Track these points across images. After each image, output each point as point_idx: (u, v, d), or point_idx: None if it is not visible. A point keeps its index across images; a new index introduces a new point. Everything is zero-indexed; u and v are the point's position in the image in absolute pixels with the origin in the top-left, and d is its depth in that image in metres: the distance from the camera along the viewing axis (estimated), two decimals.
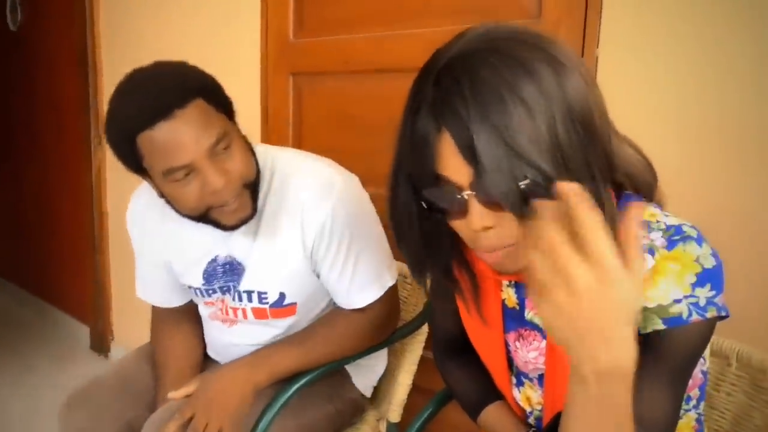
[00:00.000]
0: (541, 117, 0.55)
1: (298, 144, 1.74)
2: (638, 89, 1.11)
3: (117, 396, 1.13)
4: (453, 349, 0.94)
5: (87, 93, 2.46)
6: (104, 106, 1.00)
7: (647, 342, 0.63)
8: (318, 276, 1.08)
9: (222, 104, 0.97)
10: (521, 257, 0.60)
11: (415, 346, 1.26)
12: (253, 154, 1.02)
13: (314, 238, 1.03)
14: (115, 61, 2.36)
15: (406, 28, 1.45)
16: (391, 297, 1.13)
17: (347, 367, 1.20)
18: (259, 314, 1.10)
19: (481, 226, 0.60)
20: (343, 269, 1.06)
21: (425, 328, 1.25)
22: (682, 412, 0.76)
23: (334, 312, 1.13)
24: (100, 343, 2.61)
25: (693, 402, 0.78)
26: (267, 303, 1.09)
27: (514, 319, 0.78)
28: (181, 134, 0.89)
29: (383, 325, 1.13)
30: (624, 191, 0.69)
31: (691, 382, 0.73)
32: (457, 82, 0.57)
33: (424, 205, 0.64)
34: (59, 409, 1.12)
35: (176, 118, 0.89)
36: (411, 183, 0.64)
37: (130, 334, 2.44)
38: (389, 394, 1.27)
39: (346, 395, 1.19)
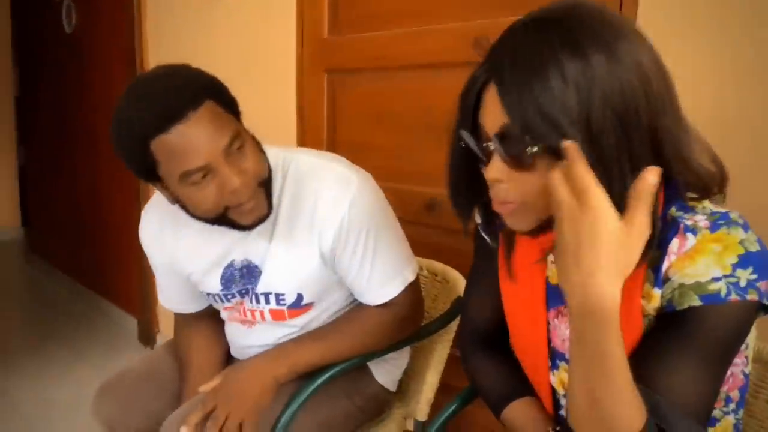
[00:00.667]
0: (578, 95, 0.59)
1: (333, 141, 1.75)
2: (682, 81, 1.06)
3: (145, 387, 1.17)
4: (481, 341, 0.92)
5: None
6: None
7: (683, 318, 0.62)
8: (337, 274, 1.08)
9: (230, 105, 0.96)
10: (528, 218, 0.67)
11: (444, 345, 1.25)
12: (264, 152, 1.01)
13: (333, 236, 1.02)
14: (161, 61, 2.42)
15: (438, 23, 1.44)
16: (414, 292, 1.12)
17: (369, 364, 1.19)
18: (276, 316, 1.11)
19: (493, 178, 0.66)
20: (362, 265, 1.05)
21: (453, 327, 1.23)
22: (720, 413, 0.73)
23: (357, 307, 1.13)
24: (147, 335, 2.70)
25: (732, 405, 0.74)
26: (285, 304, 1.09)
27: (555, 295, 0.78)
28: (196, 136, 0.88)
29: (407, 320, 1.12)
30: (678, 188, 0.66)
31: (731, 380, 0.72)
32: (514, 48, 0.62)
33: (462, 145, 0.70)
34: (93, 398, 1.16)
35: (190, 120, 0.88)
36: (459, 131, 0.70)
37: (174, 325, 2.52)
38: (417, 392, 1.26)
39: (366, 390, 1.19)
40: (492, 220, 0.76)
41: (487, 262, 0.87)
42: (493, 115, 0.64)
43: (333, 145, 1.74)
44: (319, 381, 1.04)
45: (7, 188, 4.65)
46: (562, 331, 0.78)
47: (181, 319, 1.26)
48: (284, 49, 1.83)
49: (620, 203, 0.58)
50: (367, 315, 1.10)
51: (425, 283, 1.36)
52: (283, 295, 1.08)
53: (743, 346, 0.71)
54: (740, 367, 0.73)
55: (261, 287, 1.08)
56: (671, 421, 0.60)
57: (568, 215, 0.57)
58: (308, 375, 1.06)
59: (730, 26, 1.00)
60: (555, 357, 0.79)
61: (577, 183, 0.56)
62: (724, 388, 0.72)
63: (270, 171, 1.00)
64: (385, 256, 1.07)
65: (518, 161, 0.63)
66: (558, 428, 0.80)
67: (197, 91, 0.90)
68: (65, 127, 3.38)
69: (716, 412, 0.73)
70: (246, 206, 0.95)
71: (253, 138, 1.00)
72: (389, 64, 1.56)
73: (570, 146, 0.57)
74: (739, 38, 0.99)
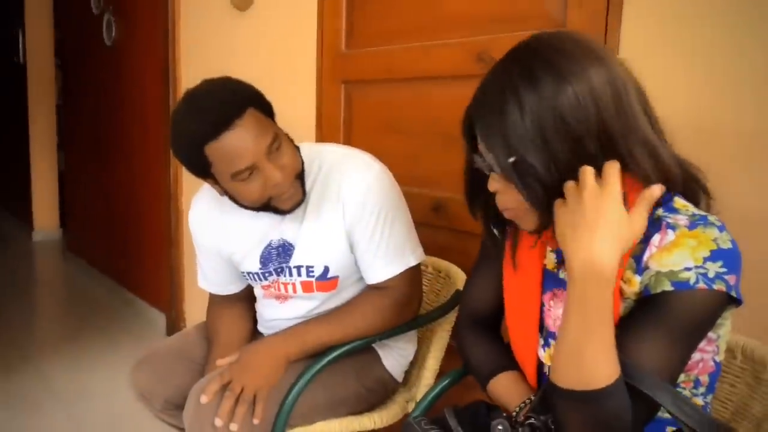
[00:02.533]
0: (532, 118, 0.72)
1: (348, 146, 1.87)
2: (657, 94, 1.15)
3: (176, 363, 1.30)
4: (476, 323, 1.03)
5: (168, 102, 2.72)
6: None
7: (656, 301, 0.73)
8: (352, 249, 1.22)
9: (267, 109, 1.13)
10: (530, 219, 0.80)
11: (443, 334, 1.35)
12: (297, 148, 1.17)
13: (353, 211, 1.18)
14: (191, 74, 2.60)
15: (444, 39, 1.55)
16: (413, 279, 1.24)
17: (377, 349, 1.31)
18: (306, 287, 1.25)
19: (492, 189, 0.81)
20: (372, 239, 1.19)
21: (452, 317, 1.34)
22: (689, 394, 0.81)
23: (359, 295, 1.25)
24: (174, 329, 2.85)
25: (702, 389, 0.82)
26: (313, 276, 1.23)
27: (551, 279, 0.89)
28: (242, 141, 1.05)
29: (404, 305, 1.23)
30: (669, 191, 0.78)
31: (701, 365, 0.80)
32: (485, 88, 0.78)
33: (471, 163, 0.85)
34: (130, 370, 1.31)
35: (237, 127, 1.04)
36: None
37: (199, 321, 2.65)
38: (419, 378, 1.37)
39: (375, 375, 1.30)
40: (500, 216, 0.88)
41: (491, 256, 0.98)
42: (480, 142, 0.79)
43: None
44: (326, 360, 1.16)
45: (49, 192, 4.87)
46: (556, 312, 0.87)
47: (214, 300, 1.40)
48: (306, 61, 1.96)
49: None
50: (367, 299, 1.23)
51: (430, 279, 1.47)
52: (312, 267, 1.22)
53: (714, 336, 0.79)
54: (711, 354, 0.81)
55: (294, 261, 1.23)
56: (638, 379, 0.70)
57: (590, 194, 0.70)
58: (318, 355, 1.18)
59: (702, 44, 1.09)
60: (548, 336, 0.89)
61: (604, 175, 0.70)
62: (695, 372, 0.81)
63: (303, 163, 1.16)
64: (395, 237, 1.20)
65: (505, 176, 0.77)
66: (532, 396, 0.90)
67: (240, 101, 1.07)
68: (101, 134, 3.56)
69: (686, 393, 0.82)
70: (286, 195, 1.12)
71: (287, 136, 1.16)
72: (400, 76, 1.68)
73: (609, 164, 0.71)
74: (712, 52, 1.09)
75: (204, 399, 1.09)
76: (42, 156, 4.80)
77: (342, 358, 1.20)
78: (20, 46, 4.71)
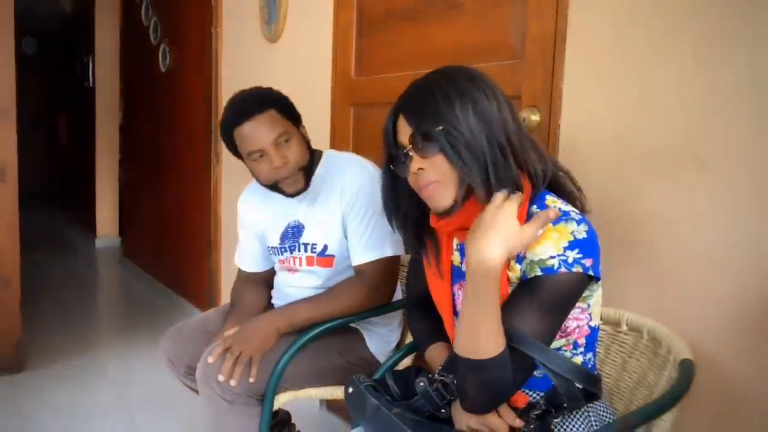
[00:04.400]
0: (450, 109, 0.94)
1: None
2: (589, 114, 1.36)
3: (198, 335, 1.58)
4: (419, 305, 1.24)
5: (210, 122, 3.06)
6: None
7: (530, 283, 0.92)
8: (345, 234, 1.48)
9: (290, 114, 1.45)
10: (446, 194, 0.97)
11: None
12: (310, 149, 1.48)
13: (348, 199, 1.46)
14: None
15: (432, 67, 1.78)
16: (387, 269, 1.46)
17: (362, 331, 1.54)
18: (309, 261, 1.53)
19: (417, 167, 0.97)
20: (359, 226, 1.45)
21: None
22: (570, 354, 1.01)
23: (340, 281, 1.50)
24: None
25: (581, 349, 1.02)
26: (315, 252, 1.52)
27: (458, 274, 1.10)
28: (256, 129, 1.38)
29: (374, 288, 1.45)
30: (546, 190, 0.99)
31: (578, 331, 1.00)
32: (410, 92, 1.01)
33: (391, 167, 1.04)
34: (160, 341, 1.61)
35: (254, 119, 1.38)
36: (388, 163, 1.05)
37: None
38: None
39: (357, 353, 1.52)
40: (420, 237, 1.10)
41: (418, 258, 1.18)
42: (404, 132, 0.99)
43: None
44: (310, 334, 1.40)
45: (110, 204, 5.35)
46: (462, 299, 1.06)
47: (240, 277, 1.71)
48: (323, 85, 2.24)
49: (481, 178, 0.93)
50: (345, 283, 1.47)
51: None
52: (315, 244, 1.52)
53: (585, 305, 0.99)
54: (585, 321, 1.01)
55: (303, 239, 1.53)
56: (518, 341, 0.89)
57: (492, 209, 0.90)
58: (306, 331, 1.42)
59: (625, 74, 1.29)
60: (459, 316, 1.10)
61: (509, 198, 0.93)
62: (573, 336, 1.00)
63: (311, 161, 1.46)
64: (378, 231, 1.45)
65: (426, 152, 0.96)
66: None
67: (263, 101, 1.41)
68: (155, 152, 3.93)
69: (567, 353, 1.01)
70: (289, 180, 1.43)
71: (305, 138, 1.47)
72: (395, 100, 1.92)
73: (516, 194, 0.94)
74: (629, 80, 1.28)
75: (210, 359, 1.36)
76: (105, 171, 5.28)
77: (327, 335, 1.43)
78: (90, 71, 5.25)
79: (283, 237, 1.57)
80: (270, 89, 1.49)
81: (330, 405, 2.31)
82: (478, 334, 0.89)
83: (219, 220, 3.08)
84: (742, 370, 1.14)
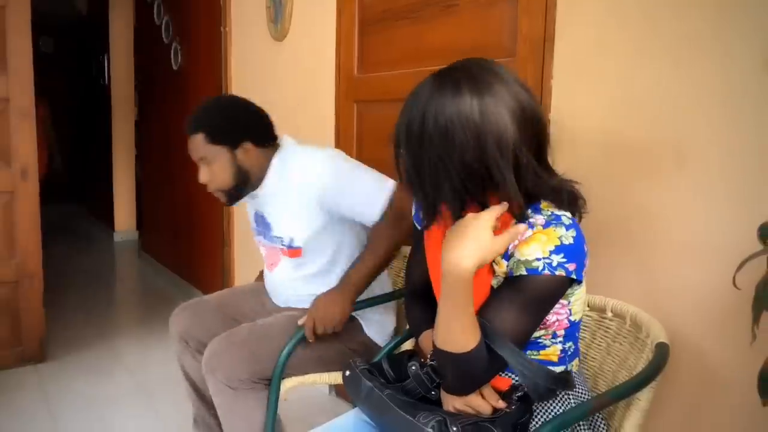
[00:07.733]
0: (412, 136, 1.00)
1: (360, 154, 2.19)
2: (577, 113, 1.41)
3: (210, 313, 1.68)
4: (416, 294, 1.29)
5: None
6: None
7: (514, 281, 0.97)
8: (340, 215, 1.55)
9: (220, 139, 1.53)
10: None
11: None
12: (235, 171, 1.56)
13: (318, 188, 1.50)
14: (239, 93, 3.00)
15: (429, 66, 1.84)
16: (397, 196, 1.51)
17: (359, 318, 1.61)
18: (283, 252, 1.62)
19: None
20: (347, 197, 1.52)
21: None
22: (549, 343, 1.07)
23: (370, 232, 1.57)
24: None
25: (560, 338, 1.08)
26: (284, 245, 1.60)
27: None
28: (190, 145, 1.56)
29: (403, 218, 1.49)
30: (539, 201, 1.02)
31: (557, 324, 1.05)
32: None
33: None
34: (170, 317, 1.71)
35: (189, 137, 1.55)
36: None
37: None
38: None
39: (357, 338, 1.60)
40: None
41: (420, 245, 1.20)
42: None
43: (359, 158, 2.17)
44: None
45: (128, 199, 5.47)
46: None
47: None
48: (327, 82, 2.31)
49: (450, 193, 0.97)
50: (375, 230, 1.54)
51: None
52: (281, 237, 1.60)
53: (566, 302, 1.03)
54: (564, 316, 1.05)
55: (274, 233, 1.62)
56: (492, 339, 0.96)
57: (469, 218, 0.95)
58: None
59: (610, 74, 1.35)
60: None
61: (486, 210, 0.97)
62: (552, 328, 1.05)
63: (234, 181, 1.56)
64: (365, 182, 1.52)
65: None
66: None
67: (196, 124, 1.53)
68: (170, 148, 4.01)
69: (546, 342, 1.07)
70: (215, 194, 1.62)
71: (234, 161, 1.54)
72: (396, 97, 1.98)
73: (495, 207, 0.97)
74: (614, 79, 1.34)
75: (301, 321, 1.51)
76: (122, 166, 5.41)
77: None
78: (105, 70, 5.37)
79: (255, 221, 1.70)
80: (215, 107, 1.60)
81: (339, 390, 2.40)
82: (454, 331, 0.96)
83: (231, 213, 3.17)
84: (719, 352, 1.20)
